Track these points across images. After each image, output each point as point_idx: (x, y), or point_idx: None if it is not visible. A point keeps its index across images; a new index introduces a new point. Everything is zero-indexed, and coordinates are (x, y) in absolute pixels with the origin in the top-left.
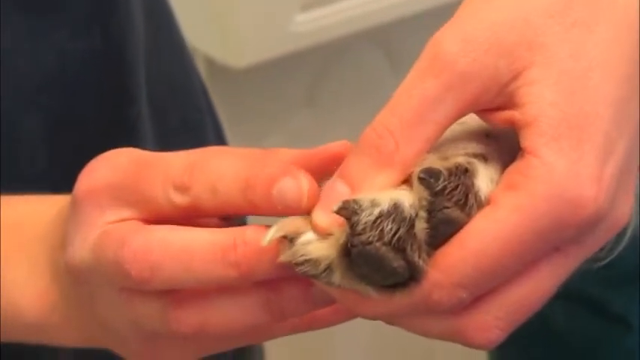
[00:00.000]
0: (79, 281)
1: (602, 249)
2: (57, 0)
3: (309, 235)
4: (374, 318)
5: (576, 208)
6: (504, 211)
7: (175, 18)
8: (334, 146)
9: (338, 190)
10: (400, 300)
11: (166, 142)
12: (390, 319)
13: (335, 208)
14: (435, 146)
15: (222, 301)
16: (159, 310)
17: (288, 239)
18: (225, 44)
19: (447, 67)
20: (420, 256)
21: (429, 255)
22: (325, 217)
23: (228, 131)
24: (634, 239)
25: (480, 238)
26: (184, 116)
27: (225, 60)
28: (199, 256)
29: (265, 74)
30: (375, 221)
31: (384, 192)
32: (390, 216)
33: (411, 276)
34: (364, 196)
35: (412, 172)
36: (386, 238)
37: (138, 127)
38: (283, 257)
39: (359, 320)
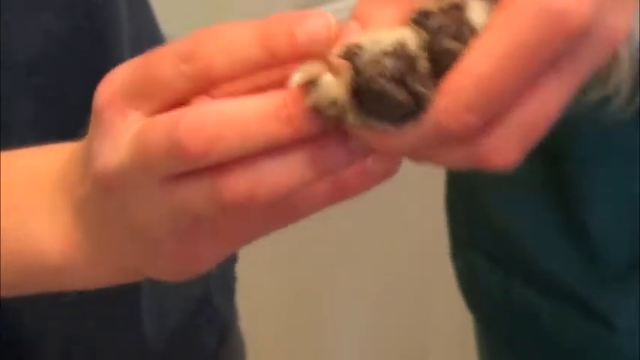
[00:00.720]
0: (111, 191)
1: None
2: None
3: (327, 77)
4: (398, 154)
5: (563, 17)
6: (496, 30)
7: (155, 18)
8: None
9: (350, 28)
10: (413, 132)
11: None
12: (412, 154)
13: (338, 52)
14: None
15: (270, 162)
16: (208, 185)
17: (312, 84)
18: None
19: None
20: (423, 87)
21: (437, 87)
22: (335, 53)
23: None
24: (620, 234)
25: (476, 60)
26: None
27: None
28: (254, 119)
29: None
30: (374, 59)
31: (389, 31)
32: (389, 54)
33: (419, 107)
34: (367, 37)
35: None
36: (386, 73)
37: None
38: (308, 101)
39: (354, 319)
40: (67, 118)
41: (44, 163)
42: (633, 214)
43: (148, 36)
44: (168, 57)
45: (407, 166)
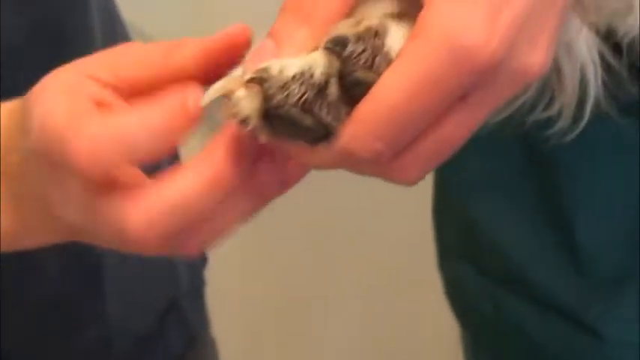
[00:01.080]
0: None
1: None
2: None
3: (240, 93)
4: (314, 167)
5: (469, 53)
6: (405, 60)
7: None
8: (233, 31)
9: (265, 47)
10: (324, 152)
11: None
12: (326, 168)
13: (246, 77)
14: (355, 10)
15: (220, 217)
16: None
17: (227, 98)
18: None
19: None
20: (329, 115)
21: (348, 114)
22: (243, 79)
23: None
24: (608, 245)
25: (386, 90)
26: None
27: None
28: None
29: None
30: (282, 86)
31: (298, 58)
32: (297, 81)
33: (328, 133)
34: (275, 63)
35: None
36: (292, 100)
37: None
38: (222, 114)
39: (347, 321)
40: None
41: None
42: (620, 225)
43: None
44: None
45: None
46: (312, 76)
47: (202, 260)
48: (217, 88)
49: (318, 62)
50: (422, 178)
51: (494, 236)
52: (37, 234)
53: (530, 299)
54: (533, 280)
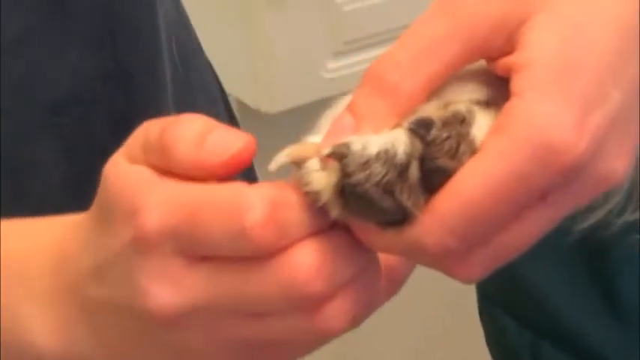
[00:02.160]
0: (171, 328)
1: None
2: (67, 20)
3: (313, 164)
4: (379, 250)
5: (557, 153)
6: (487, 155)
7: (208, 64)
8: (235, 143)
9: (343, 121)
10: (393, 238)
11: None
12: (391, 253)
13: (325, 152)
14: (441, 91)
15: (364, 280)
16: (305, 319)
17: (297, 165)
18: (258, 90)
19: (458, 8)
20: (409, 199)
21: (426, 200)
22: (323, 153)
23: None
24: None
25: (465, 184)
26: None
27: (257, 105)
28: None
29: (297, 118)
30: (364, 164)
31: (379, 135)
32: (379, 160)
33: (404, 217)
34: (357, 139)
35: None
36: (373, 180)
37: None
38: (291, 179)
39: None
40: (91, 157)
41: (33, 246)
42: None
43: (201, 90)
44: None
45: None
46: (394, 155)
47: None
48: (288, 153)
49: (400, 141)
50: (483, 276)
51: (536, 288)
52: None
53: (570, 351)
54: (574, 332)
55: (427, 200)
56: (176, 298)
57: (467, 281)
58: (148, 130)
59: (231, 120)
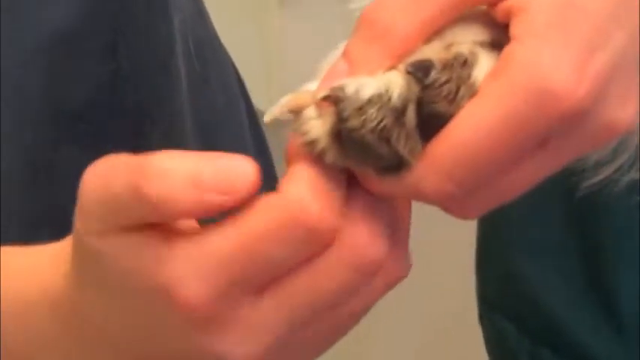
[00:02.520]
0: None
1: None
2: (87, 25)
3: (309, 112)
4: (382, 196)
5: (556, 98)
6: (485, 100)
7: (228, 59)
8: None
9: (338, 67)
10: (392, 184)
11: None
12: (393, 197)
13: (321, 95)
14: (444, 32)
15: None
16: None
17: (294, 113)
18: (272, 96)
19: None
20: (406, 146)
21: (423, 145)
22: (318, 96)
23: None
24: None
25: (463, 130)
26: (229, 145)
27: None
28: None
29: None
30: (359, 109)
31: (374, 77)
32: (374, 105)
33: (401, 164)
34: (351, 82)
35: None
36: (369, 126)
37: (161, 148)
38: (290, 129)
39: None
40: None
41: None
42: None
43: (221, 90)
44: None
45: (437, 222)
46: (389, 99)
47: None
48: (285, 102)
49: (395, 83)
50: (481, 215)
51: (536, 295)
52: None
53: (570, 359)
54: (574, 340)
55: (425, 146)
56: (258, 346)
57: (465, 218)
58: (105, 192)
59: (250, 116)
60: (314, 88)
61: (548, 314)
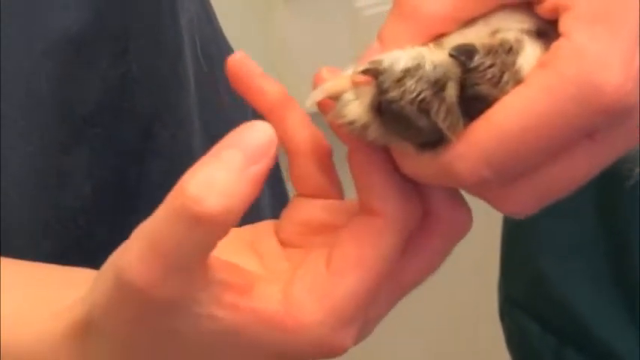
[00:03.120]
0: None
1: None
2: (98, 27)
3: (348, 95)
4: (415, 177)
5: (600, 92)
6: (531, 89)
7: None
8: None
9: (372, 47)
10: (429, 162)
11: None
12: (427, 182)
13: (360, 69)
14: (489, 17)
15: None
16: None
17: (334, 99)
18: None
19: None
20: (445, 120)
21: (465, 125)
22: (357, 70)
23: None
24: None
25: (505, 114)
26: None
27: None
28: None
29: (317, 125)
30: (398, 80)
31: (405, 50)
32: (412, 77)
33: (440, 139)
34: (386, 56)
35: (445, 35)
36: (408, 97)
37: (170, 150)
38: (328, 117)
39: None
40: (118, 163)
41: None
42: None
43: (227, 91)
44: None
45: None
46: (425, 71)
47: None
48: (325, 88)
49: (426, 58)
50: (534, 211)
51: (562, 295)
52: None
53: (594, 358)
54: (598, 339)
55: (466, 126)
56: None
57: (513, 215)
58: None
59: (255, 114)
60: (349, 73)
61: (573, 314)
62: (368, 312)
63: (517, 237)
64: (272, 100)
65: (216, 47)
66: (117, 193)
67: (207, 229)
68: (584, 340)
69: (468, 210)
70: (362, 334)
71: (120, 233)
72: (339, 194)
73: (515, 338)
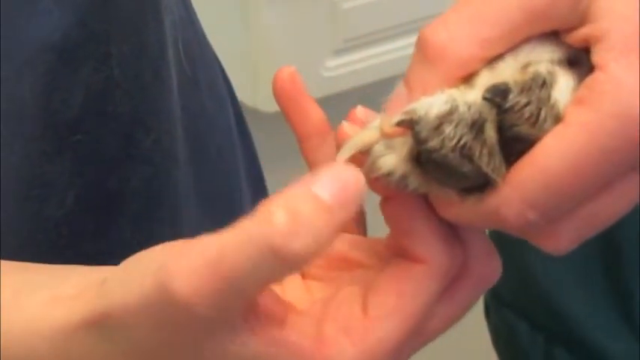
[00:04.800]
0: None
1: None
2: (83, 34)
3: (380, 147)
4: (459, 222)
5: None
6: (571, 128)
7: (215, 59)
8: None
9: (399, 93)
10: (472, 207)
11: (202, 170)
12: (469, 226)
13: (394, 121)
14: (518, 50)
15: None
16: None
17: (362, 153)
18: (256, 89)
19: None
20: (489, 164)
21: (507, 168)
22: (391, 123)
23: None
24: None
25: (547, 156)
26: (219, 148)
27: (256, 105)
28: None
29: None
30: (436, 128)
31: (436, 95)
32: (451, 122)
33: (485, 183)
34: (419, 104)
35: (474, 74)
36: (449, 145)
37: (153, 155)
38: (363, 171)
39: None
40: (101, 170)
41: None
42: None
43: (207, 87)
44: None
45: None
46: (461, 114)
47: None
48: (353, 143)
49: (459, 99)
50: (571, 248)
51: (553, 294)
52: None
53: (583, 357)
54: (590, 341)
55: (508, 168)
56: None
57: (555, 252)
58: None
59: (237, 116)
60: (377, 124)
61: (564, 314)
62: (397, 356)
63: (504, 234)
64: (313, 126)
65: (199, 50)
66: (99, 201)
67: (285, 267)
68: (575, 340)
69: (499, 259)
70: None
71: (102, 243)
72: (364, 230)
73: (503, 337)
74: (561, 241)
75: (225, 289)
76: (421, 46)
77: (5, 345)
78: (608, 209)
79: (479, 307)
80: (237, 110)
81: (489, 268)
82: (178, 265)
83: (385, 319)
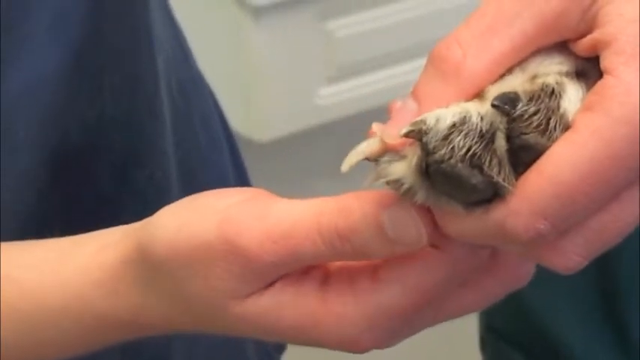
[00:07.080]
0: None
1: None
2: (77, 68)
3: (389, 155)
4: (463, 239)
5: None
6: (581, 134)
7: (209, 93)
8: None
9: (407, 107)
10: (478, 221)
11: None
12: (472, 241)
13: (403, 132)
14: (525, 63)
15: None
16: None
17: (370, 160)
18: (250, 118)
19: None
20: (500, 173)
21: (516, 178)
22: (395, 134)
23: None
24: None
25: (556, 164)
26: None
27: (249, 134)
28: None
29: (290, 146)
30: (445, 137)
31: (450, 107)
32: (460, 131)
33: (494, 195)
34: (429, 115)
35: (485, 88)
36: (458, 154)
37: (146, 191)
38: (368, 181)
39: None
40: (94, 206)
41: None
42: None
43: (200, 122)
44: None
45: None
46: (471, 123)
47: (279, 347)
48: (359, 151)
49: (473, 110)
50: (582, 265)
51: (550, 327)
52: None
53: None
54: None
55: (517, 179)
56: None
57: (565, 270)
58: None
59: (232, 152)
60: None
61: (560, 347)
62: (401, 327)
63: None
64: None
65: (193, 87)
66: None
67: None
68: None
69: (532, 264)
70: (386, 344)
71: None
72: None
73: None
74: (571, 256)
75: (287, 260)
76: (434, 63)
77: (62, 296)
78: (618, 221)
79: (474, 341)
80: (232, 144)
81: (520, 270)
82: (249, 227)
83: (390, 283)
